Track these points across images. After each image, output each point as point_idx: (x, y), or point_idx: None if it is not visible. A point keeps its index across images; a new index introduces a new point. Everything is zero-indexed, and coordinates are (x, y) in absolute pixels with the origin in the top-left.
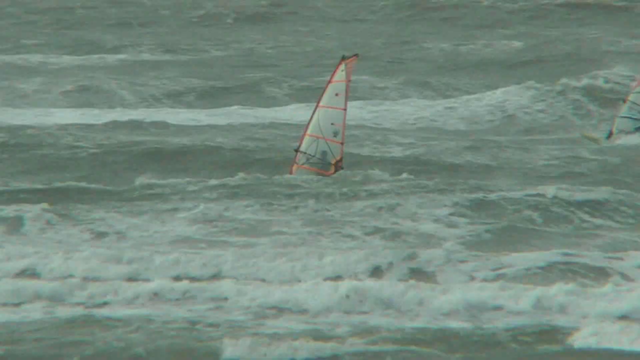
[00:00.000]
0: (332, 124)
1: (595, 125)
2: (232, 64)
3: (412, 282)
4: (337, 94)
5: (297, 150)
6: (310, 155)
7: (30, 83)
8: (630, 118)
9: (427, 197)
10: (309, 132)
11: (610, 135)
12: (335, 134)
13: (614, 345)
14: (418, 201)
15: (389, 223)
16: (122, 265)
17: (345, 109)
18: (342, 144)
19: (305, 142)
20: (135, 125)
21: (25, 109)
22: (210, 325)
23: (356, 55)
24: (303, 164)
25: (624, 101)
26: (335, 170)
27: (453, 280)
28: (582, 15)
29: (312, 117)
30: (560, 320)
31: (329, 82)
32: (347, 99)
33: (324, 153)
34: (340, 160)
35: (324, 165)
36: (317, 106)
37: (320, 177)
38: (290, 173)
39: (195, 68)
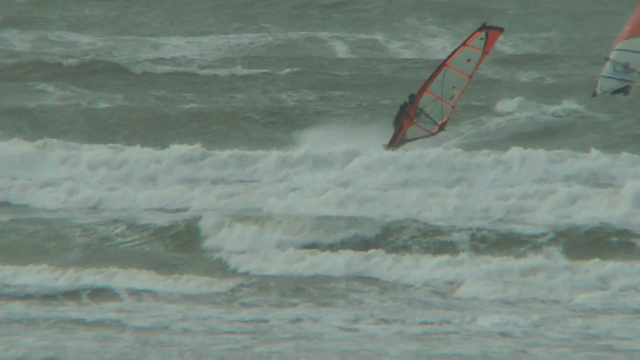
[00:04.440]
0: (453, 87)
1: None
2: None
3: None
4: (468, 60)
5: (413, 104)
6: (426, 115)
7: None
8: (614, 78)
9: None
10: (430, 89)
11: (594, 95)
12: (452, 97)
13: None
14: None
15: None
16: None
17: (471, 77)
18: (453, 107)
19: (425, 99)
20: None
21: None
22: None
23: (501, 29)
24: (416, 122)
25: (606, 59)
26: (439, 130)
27: None
28: None
29: (435, 74)
30: None
31: (463, 44)
32: (477, 68)
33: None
34: (446, 122)
35: (432, 124)
36: (443, 65)
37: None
38: (403, 126)
39: None
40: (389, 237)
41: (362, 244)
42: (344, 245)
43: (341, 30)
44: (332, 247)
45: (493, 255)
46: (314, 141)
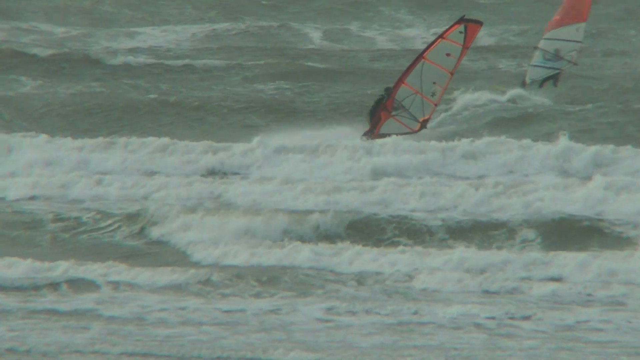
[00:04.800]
0: (434, 82)
1: None
2: None
3: None
4: (448, 54)
5: (389, 91)
6: (404, 109)
7: None
8: (543, 67)
9: None
10: (407, 81)
11: (523, 85)
12: (434, 94)
13: None
14: None
15: None
16: None
17: (452, 74)
18: (435, 105)
19: (402, 91)
20: None
21: None
22: None
23: (481, 23)
24: (395, 115)
25: (535, 48)
26: (420, 129)
27: None
28: None
29: (412, 65)
30: None
31: (441, 36)
32: (458, 64)
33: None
34: (428, 119)
35: (413, 121)
36: (421, 57)
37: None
38: (380, 118)
39: None
40: (357, 228)
41: (331, 235)
42: (311, 236)
43: (316, 19)
44: (300, 238)
45: (463, 245)
46: (286, 132)
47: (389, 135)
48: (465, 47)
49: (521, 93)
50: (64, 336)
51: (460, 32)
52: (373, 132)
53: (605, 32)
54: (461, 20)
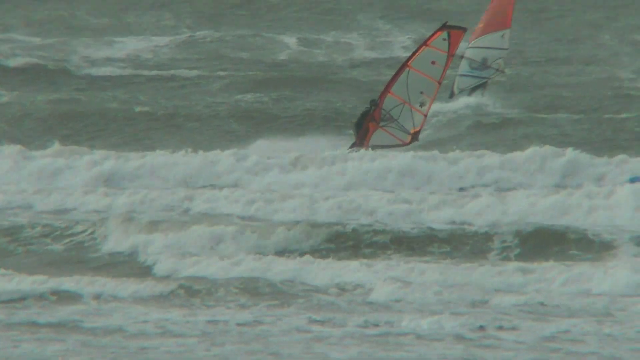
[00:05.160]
0: (421, 92)
1: None
2: None
3: None
4: (433, 62)
5: (375, 104)
6: (392, 117)
7: None
8: (470, 76)
9: None
10: (393, 90)
11: (452, 95)
12: (422, 104)
13: None
14: None
15: None
16: None
17: (440, 83)
18: (425, 115)
19: (388, 101)
20: None
21: None
22: None
23: (464, 29)
24: (383, 125)
25: (462, 57)
26: (412, 141)
27: None
28: None
29: (397, 74)
30: None
31: (425, 44)
32: (444, 72)
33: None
34: (419, 131)
35: (403, 132)
36: (405, 65)
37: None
38: (368, 130)
39: None
40: (334, 239)
41: (307, 247)
42: (286, 247)
43: (294, 28)
44: (275, 250)
45: (442, 255)
46: (264, 141)
47: (380, 147)
48: (450, 54)
49: (482, 102)
50: (38, 348)
51: (444, 39)
52: (362, 145)
53: (583, 39)
54: (444, 27)
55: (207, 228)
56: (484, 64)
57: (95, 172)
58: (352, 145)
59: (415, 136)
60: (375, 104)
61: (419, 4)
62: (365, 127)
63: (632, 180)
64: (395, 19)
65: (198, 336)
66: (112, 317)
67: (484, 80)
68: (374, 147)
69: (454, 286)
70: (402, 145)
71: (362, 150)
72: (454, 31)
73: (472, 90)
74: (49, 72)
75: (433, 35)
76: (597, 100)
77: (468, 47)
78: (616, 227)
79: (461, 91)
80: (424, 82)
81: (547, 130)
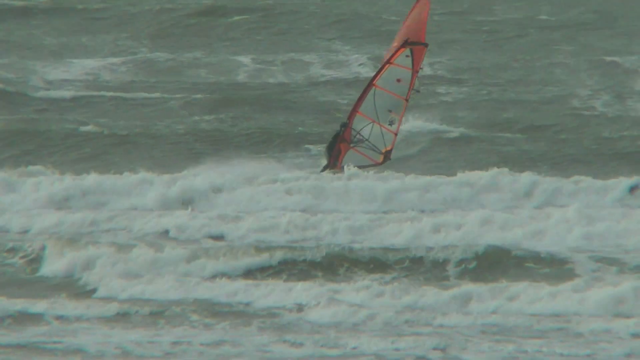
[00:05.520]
0: (389, 110)
1: None
2: None
3: None
4: (398, 80)
5: (345, 126)
6: (363, 137)
7: None
8: None
9: None
10: (361, 110)
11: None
12: (392, 122)
13: None
14: None
15: None
16: None
17: (407, 100)
18: (395, 134)
19: (358, 120)
20: None
21: None
22: None
23: (425, 45)
24: (355, 146)
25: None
26: (384, 160)
27: None
28: None
29: (364, 94)
30: None
31: (388, 62)
32: (410, 89)
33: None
34: (391, 150)
35: (375, 152)
36: (370, 84)
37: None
38: (340, 151)
39: None
40: (286, 261)
41: (257, 269)
42: (239, 269)
43: (250, 49)
44: (225, 272)
45: (399, 278)
46: (220, 163)
47: (352, 167)
48: (415, 70)
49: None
50: None
51: (407, 56)
52: (336, 166)
53: (539, 58)
54: (405, 44)
55: (155, 251)
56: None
57: (46, 192)
58: (325, 168)
59: (387, 155)
60: (345, 125)
61: (375, 26)
62: (337, 148)
63: (632, 187)
64: (351, 39)
65: (156, 357)
66: (73, 337)
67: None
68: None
69: (413, 307)
70: (375, 165)
71: (335, 171)
72: (416, 47)
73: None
74: (5, 93)
75: (396, 53)
76: (553, 118)
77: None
78: (570, 247)
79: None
80: (391, 101)
81: (504, 149)
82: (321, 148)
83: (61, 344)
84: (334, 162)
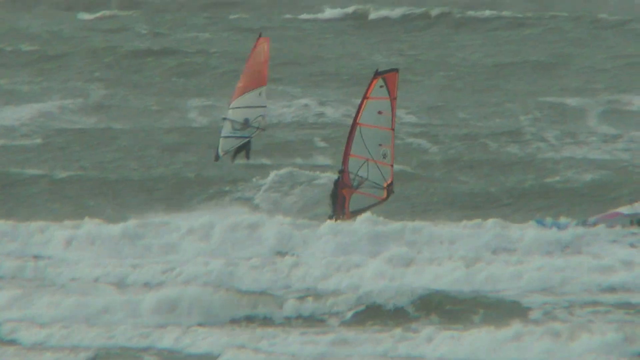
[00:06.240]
0: (379, 144)
1: None
2: None
3: None
4: (380, 112)
5: (342, 172)
6: (362, 177)
7: None
8: (233, 137)
9: None
10: (352, 152)
11: (216, 158)
12: (385, 155)
13: None
14: None
15: None
16: None
17: (392, 129)
18: (391, 166)
19: (352, 163)
20: None
21: None
22: None
23: (396, 70)
24: (357, 187)
25: (224, 119)
26: (388, 195)
27: None
28: None
29: (351, 135)
30: None
31: (365, 97)
32: (394, 118)
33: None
34: (391, 183)
35: (377, 189)
36: (355, 124)
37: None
38: (345, 198)
39: None
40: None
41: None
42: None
43: (202, 95)
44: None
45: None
46: (172, 210)
47: (364, 211)
48: (393, 98)
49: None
50: None
51: (381, 86)
52: (343, 213)
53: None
54: (377, 74)
55: (86, 297)
56: (245, 124)
57: None
58: (331, 217)
59: (389, 189)
60: (342, 171)
61: (322, 70)
62: (340, 195)
63: (539, 223)
64: (310, 88)
65: None
66: None
67: (247, 140)
68: (355, 213)
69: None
70: (381, 202)
71: (344, 219)
72: (388, 75)
73: (237, 150)
74: None
75: (370, 86)
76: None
77: (229, 109)
78: (525, 292)
79: (226, 152)
80: (378, 134)
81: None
82: None
83: None
84: (341, 211)
